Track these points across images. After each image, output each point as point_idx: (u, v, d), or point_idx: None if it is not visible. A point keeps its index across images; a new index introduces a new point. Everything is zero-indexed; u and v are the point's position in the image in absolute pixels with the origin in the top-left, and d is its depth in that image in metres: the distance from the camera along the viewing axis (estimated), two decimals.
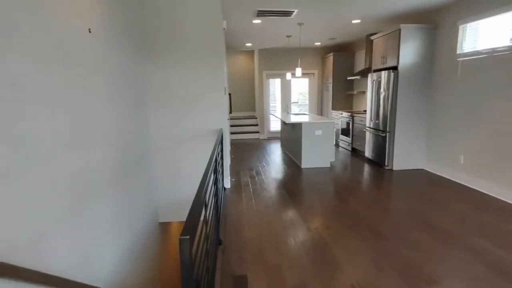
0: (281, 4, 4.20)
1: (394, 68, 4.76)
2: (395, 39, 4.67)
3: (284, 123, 6.70)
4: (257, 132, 8.82)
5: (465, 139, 4.08)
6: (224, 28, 4.12)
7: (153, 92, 3.76)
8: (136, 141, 3.26)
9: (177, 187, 3.97)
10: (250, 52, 9.37)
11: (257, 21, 5.06)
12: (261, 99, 8.62)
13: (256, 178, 4.66)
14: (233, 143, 7.85)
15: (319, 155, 5.23)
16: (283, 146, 7.10)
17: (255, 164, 5.57)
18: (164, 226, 4.26)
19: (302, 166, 5.22)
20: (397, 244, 2.56)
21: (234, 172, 4.99)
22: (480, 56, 3.79)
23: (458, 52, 4.15)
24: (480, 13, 3.76)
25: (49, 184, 1.66)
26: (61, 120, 1.80)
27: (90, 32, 2.26)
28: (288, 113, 7.24)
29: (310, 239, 2.71)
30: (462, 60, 4.07)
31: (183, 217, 4.00)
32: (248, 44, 7.66)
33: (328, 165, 5.29)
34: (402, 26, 4.52)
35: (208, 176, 1.79)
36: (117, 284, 2.44)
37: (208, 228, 1.79)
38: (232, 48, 8.33)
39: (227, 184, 4.23)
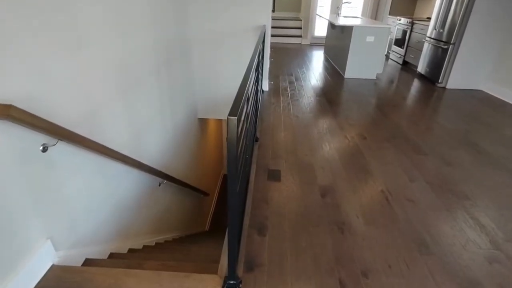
0: None
1: None
2: None
3: (332, 26, 6.07)
4: (300, 36, 8.17)
5: None
6: None
7: None
8: (177, 34, 3.15)
9: (215, 85, 3.97)
10: None
11: None
12: None
13: (295, 84, 4.52)
14: (273, 47, 7.42)
15: (365, 64, 4.83)
16: (326, 53, 6.61)
17: (295, 70, 5.33)
18: (202, 122, 4.47)
19: (345, 76, 4.92)
20: (434, 160, 2.51)
21: (273, 76, 4.84)
22: None
23: None
24: None
25: (101, 63, 1.69)
26: (110, 7, 1.72)
27: None
28: (338, 15, 6.47)
29: (345, 146, 2.72)
30: None
31: (220, 115, 4.15)
32: None
33: (374, 77, 4.93)
34: None
35: (252, 71, 1.72)
36: (162, 164, 2.73)
37: (247, 123, 1.81)
38: None
39: (266, 86, 4.16)
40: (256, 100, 2.74)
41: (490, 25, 4.07)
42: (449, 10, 4.36)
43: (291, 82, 4.59)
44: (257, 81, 2.62)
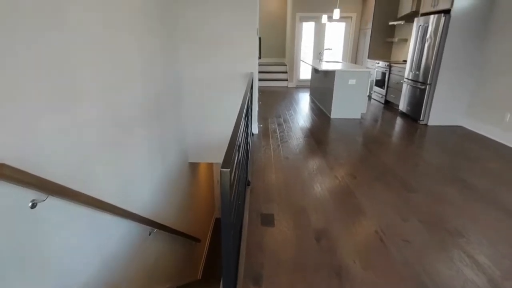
0: None
1: (446, 12, 4.25)
2: None
3: (315, 71, 6.42)
4: (286, 80, 8.56)
5: None
6: None
7: (185, 32, 3.65)
8: (168, 81, 3.28)
9: (206, 129, 4.05)
10: None
11: None
12: (292, 45, 8.20)
13: (284, 126, 4.64)
14: (261, 90, 7.72)
15: (350, 105, 5.05)
16: (312, 95, 6.90)
17: (283, 112, 5.51)
18: (193, 166, 4.47)
19: (332, 116, 5.11)
20: (424, 197, 2.54)
21: (262, 119, 4.98)
22: None
23: None
24: None
25: (93, 117, 1.73)
26: (103, 60, 1.81)
27: None
28: (320, 60, 6.89)
29: (336, 186, 2.74)
30: None
31: (211, 159, 4.17)
32: None
33: (359, 117, 5.13)
34: None
35: (242, 118, 1.79)
36: (152, 212, 2.67)
37: (239, 170, 1.84)
38: None
39: (255, 129, 4.26)
40: (247, 144, 2.79)
41: (461, 66, 4.40)
42: (422, 54, 4.71)
43: (279, 124, 4.72)
44: (247, 125, 2.70)
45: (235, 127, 1.53)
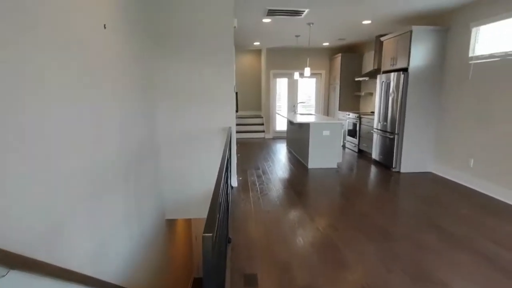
0: (292, 4, 4.19)
1: (404, 70, 4.73)
2: (406, 40, 4.64)
3: (291, 123, 6.69)
4: (263, 131, 8.82)
5: (475, 142, 4.04)
6: (234, 26, 4.12)
7: (163, 88, 3.78)
8: (145, 138, 3.28)
9: (183, 185, 3.98)
10: (258, 51, 9.37)
11: (267, 20, 5.05)
12: (267, 99, 8.62)
13: (263, 177, 4.67)
14: (239, 142, 7.86)
15: (326, 155, 5.22)
16: (289, 146, 7.10)
17: (262, 163, 5.58)
18: (170, 223, 4.28)
19: (309, 167, 5.22)
20: (406, 247, 2.55)
21: (241, 171, 5.00)
22: (493, 59, 3.75)
23: (470, 55, 4.12)
24: (494, 15, 3.72)
25: (64, 177, 1.67)
26: (75, 115, 1.82)
27: (105, 28, 2.27)
28: (294, 113, 7.23)
29: (318, 239, 2.70)
30: (474, 63, 4.04)
31: (189, 214, 4.04)
32: (256, 43, 7.66)
33: (335, 166, 5.27)
34: (413, 27, 4.49)
35: (223, 176, 1.80)
36: (129, 276, 2.46)
37: (220, 230, 1.79)
38: (239, 47, 8.33)
39: (234, 182, 4.24)
40: (227, 198, 2.76)
41: (423, 116, 4.77)
42: (388, 107, 5.10)
43: (259, 176, 4.74)
44: (227, 179, 2.69)
45: (216, 186, 1.52)
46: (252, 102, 9.73)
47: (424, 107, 4.75)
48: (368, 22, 5.18)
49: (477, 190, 3.99)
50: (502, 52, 3.63)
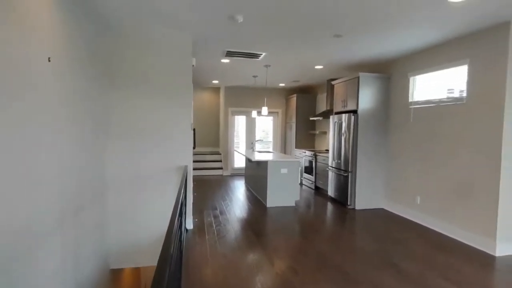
0: (250, 47, 4.36)
1: (354, 112, 5.06)
2: (355, 85, 5.02)
3: (249, 160, 6.68)
4: (221, 168, 8.67)
5: (420, 180, 4.34)
6: (193, 65, 4.14)
7: (116, 126, 3.56)
8: (89, 179, 2.99)
9: (133, 229, 3.64)
10: (217, 89, 9.51)
11: (225, 60, 5.18)
12: (225, 136, 8.61)
13: (220, 218, 4.46)
14: (196, 180, 7.59)
15: (284, 193, 5.21)
16: (247, 183, 7.01)
17: (219, 203, 5.38)
18: (116, 274, 3.82)
19: (267, 205, 5.14)
20: None
21: (197, 211, 4.75)
22: (427, 105, 4.18)
23: (409, 100, 4.56)
24: (426, 67, 4.21)
25: None
26: (14, 151, 1.58)
27: (49, 61, 2.11)
28: (252, 150, 7.27)
29: (279, 284, 2.56)
30: (414, 108, 4.46)
31: (138, 263, 3.65)
32: (215, 81, 7.78)
33: (293, 204, 5.26)
34: (360, 74, 4.90)
35: (176, 222, 1.65)
36: None
37: (171, 281, 1.61)
38: (198, 84, 8.39)
39: (190, 224, 3.98)
40: (180, 245, 2.54)
41: (373, 155, 5.06)
42: (341, 146, 5.35)
43: (216, 216, 4.53)
44: (181, 224, 2.50)
45: (167, 236, 1.37)
46: (210, 139, 9.65)
47: (374, 146, 5.06)
48: (320, 67, 5.57)
49: (424, 225, 4.20)
50: (436, 99, 4.06)
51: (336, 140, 5.53)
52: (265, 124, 9.03)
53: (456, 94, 3.80)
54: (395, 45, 4.08)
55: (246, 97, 8.59)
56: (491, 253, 3.28)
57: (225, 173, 8.65)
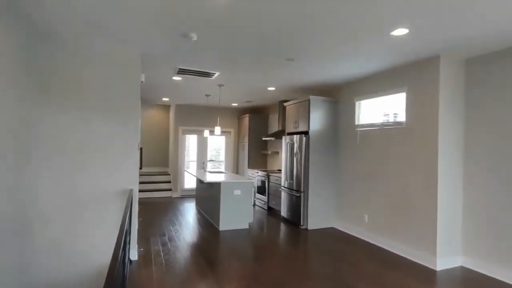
0: (203, 66, 4.26)
1: (306, 133, 5.20)
2: (306, 107, 5.19)
3: (200, 182, 6.42)
4: (170, 189, 8.21)
5: (367, 199, 4.53)
6: (142, 81, 3.89)
7: (44, 144, 3.13)
8: (11, 208, 2.53)
9: (66, 265, 3.16)
10: (166, 107, 9.15)
11: (177, 78, 5.00)
12: (175, 155, 8.24)
13: (169, 245, 4.13)
14: (142, 202, 7.05)
15: (237, 216, 5.05)
16: (198, 205, 6.70)
17: (168, 228, 5.01)
18: None
19: (220, 229, 4.92)
20: None
21: (143, 239, 4.33)
22: (372, 128, 4.46)
23: (356, 123, 4.82)
24: (369, 93, 4.52)
25: None
26: None
27: None
28: (204, 170, 7.02)
29: None
30: (360, 130, 4.72)
31: None
32: (165, 99, 7.48)
33: (247, 226, 5.12)
34: (311, 97, 5.09)
35: (119, 255, 1.42)
36: None
37: None
38: (147, 101, 7.98)
39: (134, 255, 3.59)
40: (124, 277, 2.23)
41: (325, 175, 5.20)
42: (293, 166, 5.41)
43: (164, 244, 4.18)
44: (124, 257, 2.20)
45: (109, 272, 1.15)
46: (159, 158, 9.15)
47: (325, 167, 5.21)
48: (273, 88, 5.67)
49: (373, 243, 4.36)
50: (380, 123, 4.35)
51: (289, 161, 5.59)
52: (217, 143, 8.87)
53: (397, 118, 4.12)
54: (342, 71, 4.33)
55: (198, 116, 8.39)
56: (433, 267, 3.48)
57: (175, 194, 8.21)
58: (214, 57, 3.82)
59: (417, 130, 3.77)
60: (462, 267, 3.53)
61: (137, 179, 3.60)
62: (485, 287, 3.02)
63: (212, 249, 4.03)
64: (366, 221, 4.53)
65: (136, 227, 3.77)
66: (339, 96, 5.25)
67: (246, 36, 3.09)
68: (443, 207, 3.50)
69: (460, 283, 3.12)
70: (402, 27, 2.75)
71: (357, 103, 4.82)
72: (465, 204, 3.59)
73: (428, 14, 2.47)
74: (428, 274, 3.33)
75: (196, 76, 4.84)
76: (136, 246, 3.70)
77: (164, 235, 4.62)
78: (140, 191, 7.06)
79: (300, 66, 4.10)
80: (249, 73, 4.57)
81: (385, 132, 4.25)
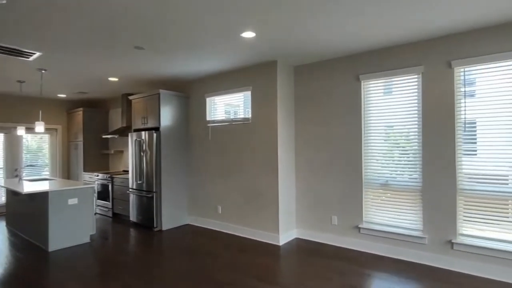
0: (16, 42, 3.24)
1: (156, 129, 4.89)
2: (155, 102, 4.87)
3: (14, 194, 4.91)
4: None
5: (220, 191, 4.74)
6: None
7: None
8: None
9: None
10: None
11: None
12: None
13: None
14: None
15: (74, 229, 4.17)
16: (11, 225, 5.11)
17: None
18: None
19: (50, 249, 3.93)
20: None
21: None
22: (222, 124, 4.70)
23: (207, 119, 4.94)
24: (219, 90, 4.73)
25: None
26: None
27: None
28: (19, 179, 5.41)
29: None
30: (211, 126, 4.87)
31: None
32: None
33: (88, 240, 4.31)
34: (161, 91, 4.81)
35: None
36: None
37: None
38: None
39: None
40: None
41: (177, 172, 5.07)
42: (142, 165, 4.99)
43: None
44: None
45: None
46: None
47: (177, 164, 5.07)
48: (116, 79, 5.01)
49: (227, 232, 4.62)
50: (229, 118, 4.63)
51: (137, 160, 5.11)
52: (37, 143, 7.04)
53: (245, 115, 4.49)
54: (194, 67, 4.31)
55: (6, 109, 6.38)
56: (277, 243, 4.03)
57: None
58: (34, 31, 2.97)
59: (261, 126, 4.24)
60: (297, 238, 4.26)
61: None
62: (313, 250, 3.76)
63: (37, 279, 3.15)
64: (220, 212, 4.74)
65: None
66: (191, 91, 5.22)
67: (82, 9, 2.55)
68: (283, 192, 4.11)
69: (295, 251, 3.76)
70: (250, 30, 2.99)
71: (208, 99, 4.94)
72: (297, 187, 4.35)
73: (269, 22, 2.79)
74: (274, 250, 3.82)
75: (4, 55, 3.63)
76: None
77: None
78: None
79: (151, 57, 3.80)
80: (84, 57, 3.83)
81: (234, 127, 4.55)
